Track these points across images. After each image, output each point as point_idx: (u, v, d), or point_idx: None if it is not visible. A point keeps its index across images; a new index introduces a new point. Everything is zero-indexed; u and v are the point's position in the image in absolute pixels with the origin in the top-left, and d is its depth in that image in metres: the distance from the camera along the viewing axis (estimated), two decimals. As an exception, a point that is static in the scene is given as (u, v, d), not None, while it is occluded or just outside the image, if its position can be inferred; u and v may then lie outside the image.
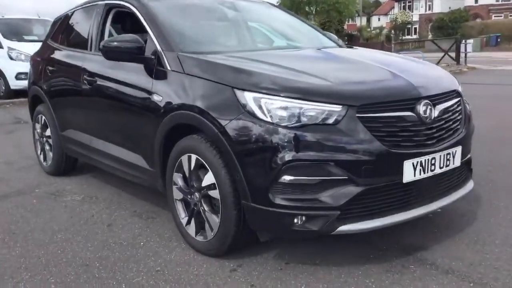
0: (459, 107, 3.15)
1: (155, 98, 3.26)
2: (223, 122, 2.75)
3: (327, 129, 2.60)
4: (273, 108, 2.64)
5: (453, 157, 2.96)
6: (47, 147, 5.05)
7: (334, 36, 4.58)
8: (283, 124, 2.61)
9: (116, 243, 3.36)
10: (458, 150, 2.99)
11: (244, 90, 2.73)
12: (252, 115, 2.67)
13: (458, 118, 3.10)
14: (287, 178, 2.59)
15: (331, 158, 2.57)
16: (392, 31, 55.30)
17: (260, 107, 2.66)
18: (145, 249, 3.24)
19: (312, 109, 2.61)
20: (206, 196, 3.02)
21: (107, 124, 3.90)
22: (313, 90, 2.69)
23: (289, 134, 2.59)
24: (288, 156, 2.57)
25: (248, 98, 2.70)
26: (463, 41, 20.44)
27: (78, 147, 4.38)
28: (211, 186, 2.91)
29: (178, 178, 3.19)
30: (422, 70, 3.38)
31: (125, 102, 3.59)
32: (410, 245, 3.12)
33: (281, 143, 2.59)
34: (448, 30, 43.54)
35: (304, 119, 2.60)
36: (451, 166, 2.95)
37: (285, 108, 2.63)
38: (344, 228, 2.63)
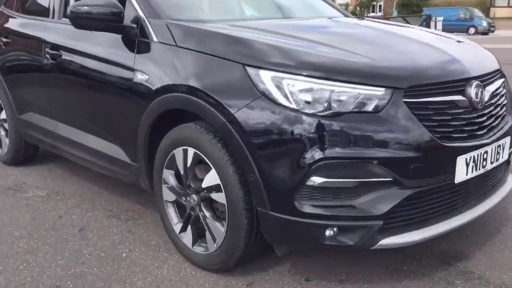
0: (504, 90, 2.65)
1: (139, 77, 2.62)
2: (232, 109, 2.16)
3: (367, 118, 2.06)
4: (298, 91, 2.08)
5: (503, 149, 2.47)
6: (2, 132, 4.33)
7: (337, 5, 4.01)
8: (310, 112, 2.05)
9: (92, 254, 2.75)
10: (507, 140, 2.50)
11: (259, 67, 2.15)
12: (271, 100, 2.09)
13: (504, 103, 2.60)
14: (316, 180, 2.04)
15: (372, 156, 2.04)
16: (358, 8, 55.10)
17: (281, 90, 2.09)
18: (129, 263, 2.65)
19: (348, 93, 2.05)
20: (206, 199, 2.44)
21: (76, 108, 3.24)
22: (348, 68, 2.13)
23: (319, 125, 2.03)
24: (318, 153, 2.02)
25: (265, 78, 2.12)
26: (433, 18, 20.22)
27: (40, 133, 3.69)
28: (214, 188, 2.34)
29: (169, 176, 2.59)
30: (465, 47, 2.86)
31: (99, 81, 2.93)
32: (446, 253, 2.64)
33: (309, 136, 2.03)
34: (413, 8, 43.56)
35: (337, 106, 2.05)
36: (500, 161, 2.47)
37: (313, 91, 2.07)
38: (387, 241, 2.11)
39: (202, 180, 2.43)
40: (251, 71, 2.16)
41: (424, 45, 2.59)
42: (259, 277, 2.47)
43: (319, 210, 2.08)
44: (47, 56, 3.36)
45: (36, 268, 2.63)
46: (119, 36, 2.78)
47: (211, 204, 2.46)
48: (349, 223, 2.09)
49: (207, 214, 2.44)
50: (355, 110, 2.05)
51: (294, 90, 2.08)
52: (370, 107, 2.07)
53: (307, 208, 2.08)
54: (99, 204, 3.45)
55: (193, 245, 2.56)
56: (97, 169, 3.26)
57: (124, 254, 2.75)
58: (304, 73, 2.09)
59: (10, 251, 2.80)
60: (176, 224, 2.64)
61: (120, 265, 2.63)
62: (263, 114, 2.11)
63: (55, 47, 3.31)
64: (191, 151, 2.42)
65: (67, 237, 2.98)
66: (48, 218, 3.25)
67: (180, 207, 2.64)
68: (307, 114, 2.04)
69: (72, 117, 3.28)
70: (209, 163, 2.33)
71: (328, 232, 2.10)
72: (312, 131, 2.03)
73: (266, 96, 2.10)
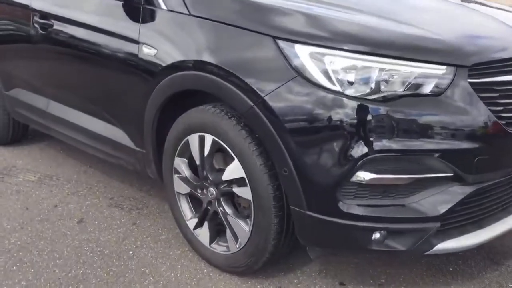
0: None
1: (145, 51, 2.25)
2: (261, 91, 1.82)
3: (425, 103, 1.72)
4: (342, 70, 1.74)
5: None
6: (-13, 110, 3.92)
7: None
8: (358, 95, 1.72)
9: (95, 251, 2.43)
10: None
11: (293, 41, 1.79)
12: (309, 80, 1.76)
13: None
14: (364, 176, 1.72)
15: (432, 148, 1.71)
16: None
17: (321, 68, 1.75)
18: (137, 262, 2.34)
19: (402, 72, 1.70)
20: (227, 194, 2.11)
21: (71, 86, 2.86)
22: (402, 42, 1.78)
23: (368, 111, 1.71)
24: (367, 144, 1.70)
25: (302, 54, 1.78)
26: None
27: (30, 112, 3.32)
28: (236, 181, 2.02)
29: (181, 165, 2.25)
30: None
31: (96, 56, 2.56)
32: (494, 251, 2.37)
33: (356, 124, 1.71)
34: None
35: (388, 87, 1.71)
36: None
37: (361, 70, 1.74)
38: (444, 246, 1.83)
39: (222, 171, 2.10)
40: (283, 45, 1.81)
41: (489, 17, 2.24)
42: (287, 280, 2.18)
43: (365, 210, 1.77)
44: (36, 26, 2.95)
45: (31, 269, 2.31)
46: (119, 3, 2.39)
47: (232, 199, 2.14)
48: (401, 226, 1.79)
49: (228, 210, 2.12)
50: (411, 92, 1.71)
51: (338, 69, 1.74)
52: (427, 89, 1.73)
53: (352, 209, 1.77)
54: (97, 191, 3.11)
55: (210, 243, 2.25)
56: (96, 154, 2.92)
57: (131, 252, 2.43)
58: (349, 48, 1.74)
59: (0, 248, 2.47)
60: (190, 219, 2.33)
61: (127, 265, 2.32)
62: (299, 97, 1.77)
63: (45, 15, 2.90)
64: (209, 138, 2.08)
65: (64, 230, 2.65)
66: (42, 207, 2.91)
67: (194, 200, 2.32)
68: (353, 98, 1.71)
69: (66, 95, 2.91)
70: (231, 153, 2.00)
71: (376, 236, 1.79)
72: (359, 118, 1.70)
73: (303, 76, 1.77)
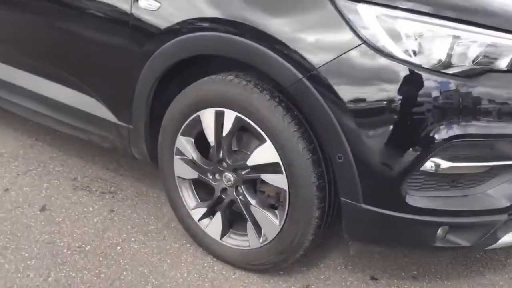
0: None
1: (142, 4, 1.82)
2: (315, 61, 1.49)
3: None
4: (419, 38, 1.45)
5: None
6: None
7: None
8: (436, 68, 1.45)
9: (72, 248, 2.04)
10: None
11: (357, 0, 1.47)
12: (376, 49, 1.45)
13: None
14: (440, 164, 1.49)
15: (512, 132, 1.49)
16: None
17: (392, 35, 1.45)
18: (130, 260, 1.99)
19: (496, 44, 1.45)
20: (250, 181, 1.78)
21: (33, 46, 2.32)
22: (496, 10, 1.52)
23: (450, 88, 1.45)
24: (448, 127, 1.45)
25: (367, 16, 1.47)
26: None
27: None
28: (267, 167, 1.70)
29: (187, 146, 1.89)
30: None
31: (73, 8, 2.05)
32: None
33: (434, 103, 1.46)
34: None
35: (479, 61, 1.45)
36: None
37: (443, 39, 1.44)
38: (508, 239, 1.63)
39: (244, 154, 1.76)
40: (343, 4, 1.48)
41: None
42: (313, 276, 1.93)
43: (431, 203, 1.54)
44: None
45: (-4, 274, 1.85)
46: None
47: (253, 187, 1.82)
48: (467, 220, 1.58)
49: (251, 200, 1.80)
50: (506, 68, 1.47)
51: (413, 36, 1.45)
52: (504, 63, 1.50)
53: (418, 201, 1.53)
54: (54, 170, 2.63)
55: (222, 237, 1.91)
56: (59, 128, 2.43)
57: (119, 247, 2.05)
58: (430, 12, 1.45)
59: None
60: (195, 208, 1.98)
61: (119, 265, 1.95)
62: (363, 69, 1.47)
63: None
64: (230, 115, 1.73)
65: (26, 221, 2.19)
66: (-10, 192, 2.39)
67: (200, 187, 1.96)
68: (431, 72, 1.44)
69: (30, 58, 2.36)
70: (261, 133, 1.67)
71: (440, 231, 1.56)
72: (438, 96, 1.44)
73: (368, 44, 1.46)
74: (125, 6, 1.88)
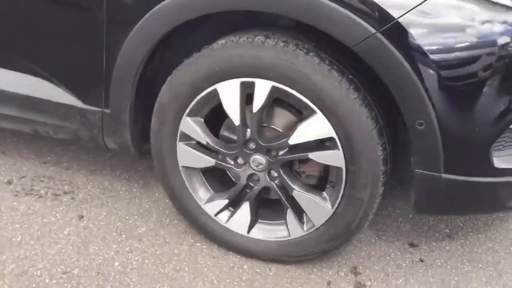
0: None
1: None
2: (393, 10, 1.22)
3: None
4: None
5: None
6: None
7: None
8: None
9: (53, 275, 1.58)
10: None
11: None
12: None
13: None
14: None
15: None
16: None
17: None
18: (139, 277, 1.60)
19: None
20: (288, 163, 1.49)
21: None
22: None
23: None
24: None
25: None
26: None
27: None
28: (316, 144, 1.41)
29: (197, 128, 1.54)
30: None
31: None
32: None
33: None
34: None
35: None
36: None
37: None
38: None
39: (276, 132, 1.46)
40: None
41: None
42: (355, 256, 1.74)
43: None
44: None
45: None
46: None
47: (289, 168, 1.53)
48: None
49: (294, 184, 1.50)
50: None
51: None
52: None
53: (502, 162, 1.37)
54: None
55: (249, 230, 1.61)
56: (9, 125, 1.85)
57: (117, 263, 1.64)
58: None
59: None
60: (209, 202, 1.63)
61: (128, 286, 1.54)
62: (454, 17, 1.23)
63: None
64: (264, 86, 1.40)
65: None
66: None
67: (214, 176, 1.62)
68: None
69: None
70: (309, 104, 1.37)
71: (513, 190, 1.45)
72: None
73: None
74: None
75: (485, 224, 1.92)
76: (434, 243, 1.80)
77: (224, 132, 1.61)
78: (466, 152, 1.34)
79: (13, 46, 1.63)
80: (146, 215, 1.86)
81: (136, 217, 1.85)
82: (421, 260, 1.72)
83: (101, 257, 1.65)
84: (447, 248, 1.79)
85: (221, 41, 1.43)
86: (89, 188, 2.00)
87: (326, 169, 1.54)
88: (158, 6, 1.38)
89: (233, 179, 1.64)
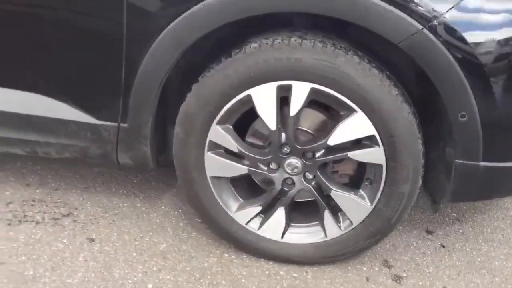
0: None
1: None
2: (439, 6, 1.24)
3: None
4: None
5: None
6: None
7: None
8: None
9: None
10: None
11: None
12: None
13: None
14: None
15: None
16: None
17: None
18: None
19: None
20: (323, 165, 1.48)
21: None
22: None
23: None
24: None
25: None
26: None
27: None
28: (356, 143, 1.42)
29: (227, 136, 1.49)
30: None
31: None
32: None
33: None
34: None
35: None
36: None
37: None
38: None
39: (308, 134, 1.45)
40: None
41: None
42: (381, 248, 1.76)
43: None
44: None
45: None
46: None
47: (325, 171, 1.52)
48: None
49: (331, 184, 1.50)
50: None
51: None
52: None
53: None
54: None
55: (283, 235, 1.58)
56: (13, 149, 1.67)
57: (150, 286, 1.55)
58: None
59: None
60: (239, 210, 1.58)
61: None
62: (501, 13, 1.27)
63: None
64: (302, 88, 1.38)
65: (-19, 292, 1.50)
66: None
67: (239, 184, 1.58)
68: None
69: None
70: (349, 104, 1.36)
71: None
72: None
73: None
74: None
75: (485, 204, 2.01)
76: (447, 228, 1.86)
77: (249, 138, 1.57)
78: (503, 140, 1.39)
79: (13, 61, 1.48)
80: (161, 230, 1.77)
81: (151, 233, 1.75)
82: (443, 246, 1.77)
83: (130, 281, 1.54)
84: (461, 231, 1.86)
85: (253, 45, 1.38)
86: (88, 207, 1.87)
87: (360, 167, 1.53)
88: (189, 12, 1.30)
89: (261, 185, 1.60)
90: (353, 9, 1.25)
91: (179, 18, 1.32)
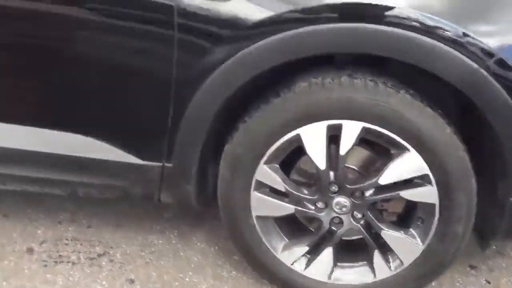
0: None
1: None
2: (495, 45, 1.24)
3: None
4: None
5: None
6: None
7: None
8: None
9: None
10: None
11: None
12: None
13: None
14: None
15: None
16: None
17: None
18: None
19: None
20: (372, 204, 1.46)
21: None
22: None
23: None
24: None
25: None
26: None
27: None
28: (408, 182, 1.39)
29: (275, 175, 1.47)
30: None
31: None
32: None
33: None
34: None
35: None
36: None
37: None
38: None
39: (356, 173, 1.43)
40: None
41: None
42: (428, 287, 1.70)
43: None
44: None
45: None
46: None
47: (377, 210, 1.50)
48: None
49: (382, 224, 1.47)
50: None
51: None
52: None
53: None
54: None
55: (330, 276, 1.55)
56: (20, 186, 1.64)
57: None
58: None
59: None
60: (284, 251, 1.54)
61: None
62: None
63: None
64: (353, 128, 1.36)
65: None
66: None
67: (284, 223, 1.55)
68: None
69: None
70: (402, 143, 1.34)
71: None
72: None
73: None
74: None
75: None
76: (490, 262, 1.82)
77: (294, 176, 1.54)
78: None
79: (58, 102, 1.46)
80: (200, 270, 1.73)
81: (190, 273, 1.72)
82: (488, 282, 1.73)
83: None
84: (503, 265, 1.82)
85: (303, 84, 1.37)
86: (123, 246, 1.84)
87: (409, 204, 1.51)
88: (245, 51, 1.29)
89: (307, 225, 1.57)
90: (412, 50, 1.23)
91: (233, 58, 1.30)
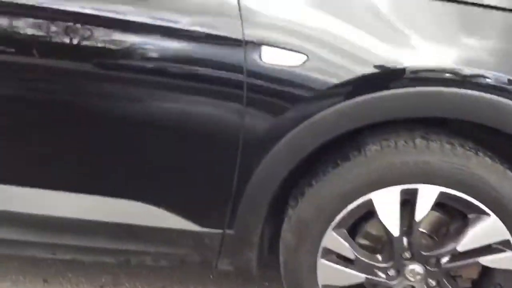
0: None
1: (268, 57, 1.25)
2: None
3: None
4: None
5: None
6: None
7: None
8: None
9: None
10: None
11: None
12: None
13: None
14: None
15: None
16: None
17: None
18: None
19: None
20: (448, 272, 1.38)
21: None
22: None
23: None
24: None
25: None
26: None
27: None
28: (485, 249, 1.31)
29: (344, 243, 1.39)
30: None
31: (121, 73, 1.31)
32: None
33: None
34: None
35: None
36: None
37: None
38: None
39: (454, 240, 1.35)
40: None
41: None
42: None
43: None
44: None
45: None
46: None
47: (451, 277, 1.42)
48: None
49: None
50: None
51: None
52: None
53: None
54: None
55: None
56: (75, 256, 1.57)
57: None
58: None
59: None
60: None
61: None
62: None
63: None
64: (430, 192, 1.30)
65: None
66: None
67: None
68: None
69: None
70: (483, 208, 1.28)
71: None
72: None
73: None
74: (236, 62, 1.24)
75: None
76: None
77: (360, 240, 1.47)
78: None
79: (116, 169, 1.41)
80: None
81: None
82: None
83: None
84: None
85: (374, 147, 1.31)
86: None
87: (485, 269, 1.43)
88: (317, 116, 1.24)
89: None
90: (499, 116, 1.19)
91: (303, 124, 1.26)
